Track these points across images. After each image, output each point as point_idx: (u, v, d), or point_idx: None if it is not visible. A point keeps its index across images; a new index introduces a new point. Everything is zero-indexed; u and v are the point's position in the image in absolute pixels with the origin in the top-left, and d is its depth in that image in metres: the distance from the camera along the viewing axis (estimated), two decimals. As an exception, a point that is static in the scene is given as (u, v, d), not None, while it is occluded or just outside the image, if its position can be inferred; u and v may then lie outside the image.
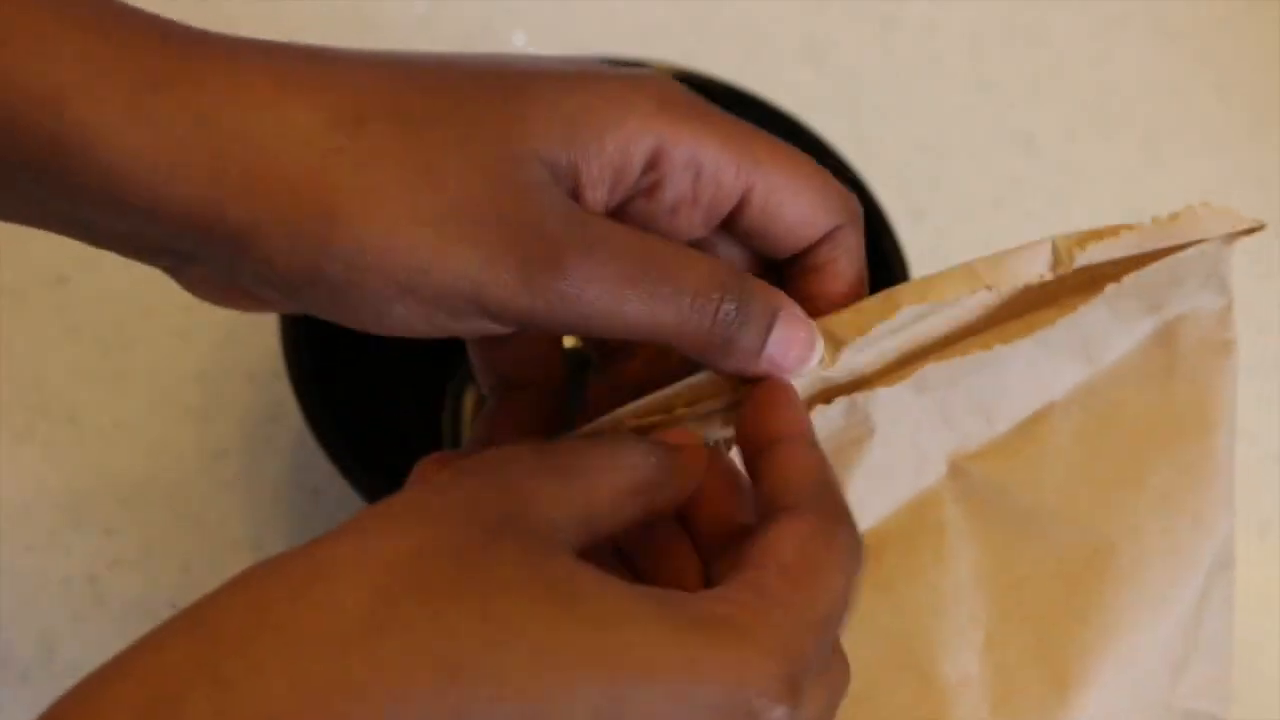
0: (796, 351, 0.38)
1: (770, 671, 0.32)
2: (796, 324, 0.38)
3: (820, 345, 0.38)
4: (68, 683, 0.53)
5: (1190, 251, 0.40)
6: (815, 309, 0.39)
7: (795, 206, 0.39)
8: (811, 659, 0.33)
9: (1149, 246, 0.40)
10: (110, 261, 0.64)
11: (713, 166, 0.38)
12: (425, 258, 0.34)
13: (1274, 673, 0.57)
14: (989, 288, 0.39)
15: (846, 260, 0.40)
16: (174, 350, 0.60)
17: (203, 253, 0.34)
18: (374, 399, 0.54)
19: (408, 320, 0.35)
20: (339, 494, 0.56)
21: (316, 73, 0.35)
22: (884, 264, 0.52)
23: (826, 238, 0.40)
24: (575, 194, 0.36)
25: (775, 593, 0.33)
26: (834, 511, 0.36)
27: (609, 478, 0.35)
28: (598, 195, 0.37)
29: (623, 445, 0.37)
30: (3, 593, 0.54)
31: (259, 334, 0.59)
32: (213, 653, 0.30)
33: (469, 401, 0.59)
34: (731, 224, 0.39)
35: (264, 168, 0.33)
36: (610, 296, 0.35)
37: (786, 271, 0.40)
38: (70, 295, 0.60)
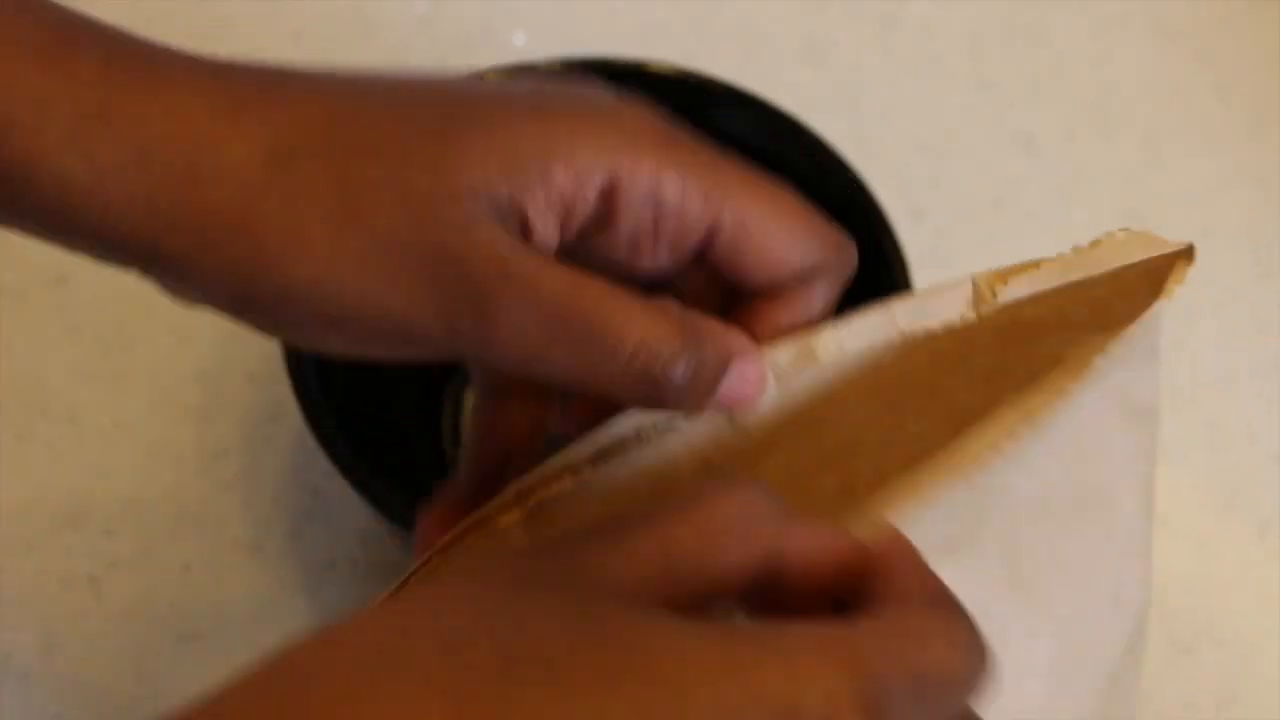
0: (748, 392, 0.37)
1: (839, 684, 0.28)
2: (750, 366, 0.37)
3: (772, 383, 0.37)
4: (68, 683, 0.53)
5: (1145, 319, 0.39)
6: (759, 335, 0.38)
7: (766, 243, 0.38)
8: (896, 701, 0.28)
9: (1073, 277, 0.38)
10: (110, 261, 0.63)
11: (676, 200, 0.37)
12: (349, 299, 0.34)
13: (1274, 673, 0.57)
14: (904, 333, 0.38)
15: (806, 301, 0.38)
16: (174, 350, 0.60)
17: (150, 274, 0.35)
18: (374, 399, 0.54)
19: (345, 348, 0.35)
20: (339, 494, 0.56)
21: (257, 102, 0.34)
22: (884, 264, 0.52)
23: (798, 275, 0.38)
24: (523, 228, 0.35)
25: (861, 631, 0.29)
26: (958, 608, 0.31)
27: (690, 517, 0.31)
28: (548, 230, 0.36)
29: (718, 482, 0.32)
30: (3, 593, 0.54)
31: (259, 334, 0.59)
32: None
33: (469, 401, 0.59)
34: (700, 256, 0.38)
35: (197, 203, 0.33)
36: (536, 346, 0.34)
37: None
38: (70, 295, 0.60)
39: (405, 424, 0.57)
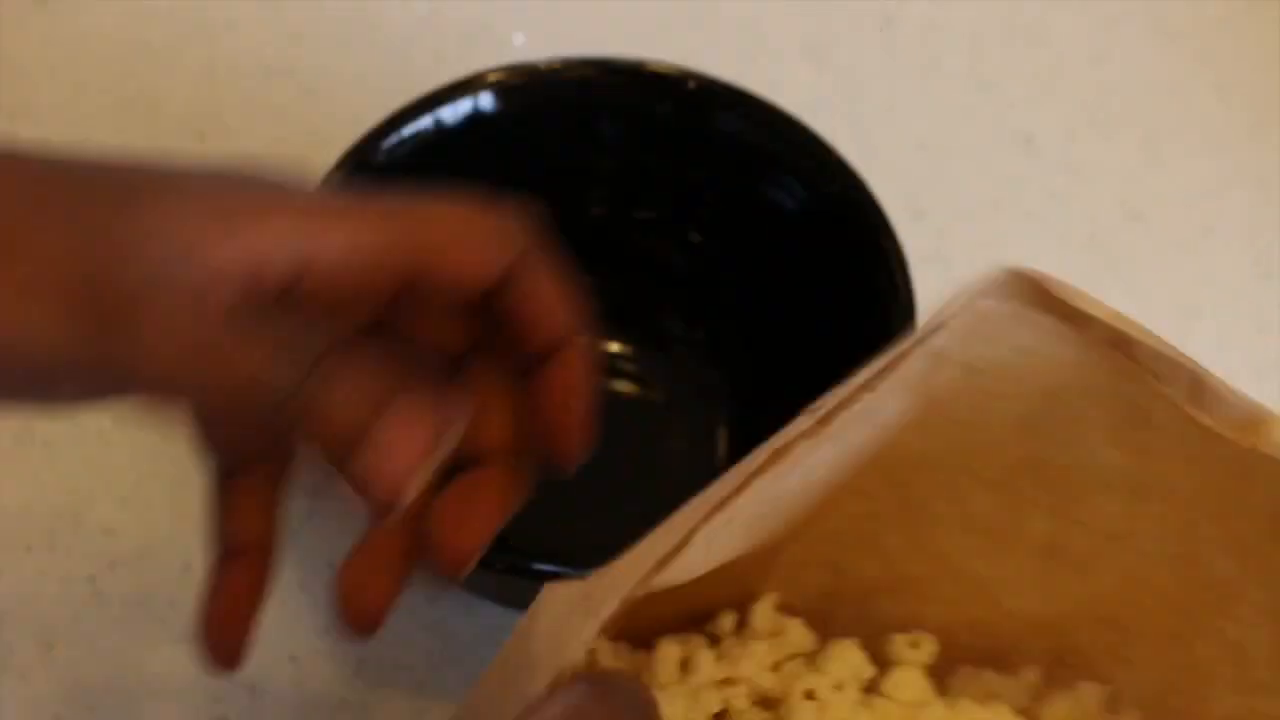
0: (408, 449, 0.37)
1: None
2: (413, 425, 0.37)
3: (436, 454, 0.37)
4: (68, 683, 0.53)
5: None
6: (537, 329, 0.38)
7: (457, 263, 0.37)
8: None
9: None
10: (110, 261, 0.63)
11: (357, 266, 0.36)
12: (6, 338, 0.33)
13: (1274, 673, 0.57)
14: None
15: (536, 277, 0.38)
16: (174, 350, 0.60)
17: None
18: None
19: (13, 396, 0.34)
20: (339, 494, 0.56)
21: None
22: (884, 264, 0.52)
23: (513, 268, 0.38)
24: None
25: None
26: None
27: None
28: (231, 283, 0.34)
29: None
30: (3, 593, 0.54)
31: None
32: None
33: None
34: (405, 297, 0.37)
35: None
36: (180, 362, 0.34)
37: (503, 323, 0.39)
38: (70, 295, 0.60)
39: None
